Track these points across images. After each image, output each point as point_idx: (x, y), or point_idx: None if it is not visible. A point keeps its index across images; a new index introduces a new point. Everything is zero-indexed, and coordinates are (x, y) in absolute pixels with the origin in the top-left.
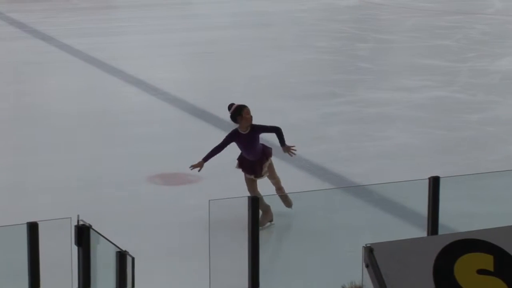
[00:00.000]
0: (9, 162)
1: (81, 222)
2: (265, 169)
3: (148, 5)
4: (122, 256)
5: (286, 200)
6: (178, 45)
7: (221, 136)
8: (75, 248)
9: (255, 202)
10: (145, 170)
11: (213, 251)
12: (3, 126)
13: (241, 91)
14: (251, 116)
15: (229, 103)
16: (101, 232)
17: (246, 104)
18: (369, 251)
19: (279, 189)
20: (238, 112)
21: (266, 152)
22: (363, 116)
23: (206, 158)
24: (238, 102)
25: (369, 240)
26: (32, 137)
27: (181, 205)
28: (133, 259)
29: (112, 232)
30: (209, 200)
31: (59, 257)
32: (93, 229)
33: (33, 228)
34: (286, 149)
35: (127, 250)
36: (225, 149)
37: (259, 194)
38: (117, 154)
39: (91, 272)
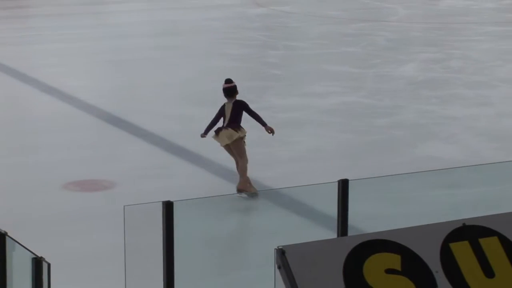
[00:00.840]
0: None
1: None
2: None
3: (63, 14)
4: (38, 263)
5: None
6: (93, 53)
7: (136, 143)
8: None
9: (169, 208)
10: (60, 177)
11: (129, 256)
12: None
13: (154, 98)
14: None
15: (227, 78)
16: (16, 239)
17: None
18: (281, 253)
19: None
20: (236, 89)
21: (236, 126)
22: (275, 122)
23: (206, 131)
24: (149, 108)
25: (281, 242)
26: None
27: (96, 211)
28: (49, 265)
29: (28, 239)
30: (124, 206)
31: None
32: (8, 236)
33: None
34: (268, 128)
35: (43, 256)
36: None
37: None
38: (32, 162)
39: (7, 279)
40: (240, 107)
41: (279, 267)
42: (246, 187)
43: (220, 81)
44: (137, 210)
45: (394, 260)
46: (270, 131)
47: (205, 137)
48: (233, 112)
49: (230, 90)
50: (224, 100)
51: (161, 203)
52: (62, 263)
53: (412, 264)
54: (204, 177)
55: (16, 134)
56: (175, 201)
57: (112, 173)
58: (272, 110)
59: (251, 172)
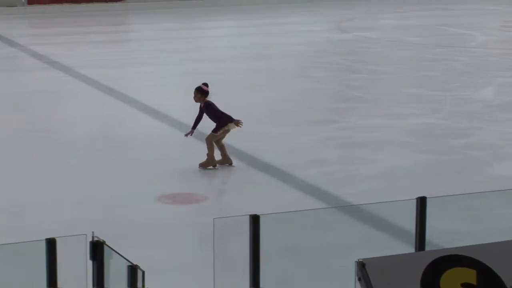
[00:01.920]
0: (22, 182)
1: (95, 238)
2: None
3: (159, 39)
4: (133, 270)
5: (206, 162)
6: (186, 75)
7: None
8: (90, 263)
9: (256, 221)
10: (154, 190)
11: (218, 266)
12: (24, 149)
13: (242, 117)
14: (198, 98)
15: (204, 83)
16: (114, 248)
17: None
18: (361, 266)
19: (209, 155)
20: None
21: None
22: (356, 141)
23: (194, 127)
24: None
25: (361, 255)
26: (48, 159)
27: (188, 223)
28: (143, 273)
29: (124, 248)
30: (214, 218)
31: (75, 271)
32: (106, 245)
33: (51, 244)
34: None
35: (138, 264)
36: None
37: (212, 145)
38: (129, 175)
39: (104, 285)
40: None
41: (359, 279)
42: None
43: (306, 102)
44: (226, 222)
45: (470, 275)
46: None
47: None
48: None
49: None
50: None
51: (248, 216)
52: (155, 271)
53: (487, 279)
54: (289, 192)
55: (115, 150)
56: (261, 214)
57: (203, 187)
58: (354, 130)
59: (333, 188)
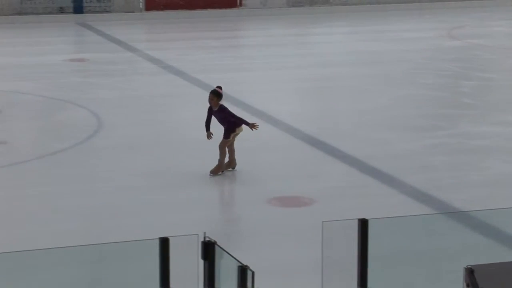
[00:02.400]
0: (119, 185)
1: (207, 239)
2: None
3: (272, 45)
4: (243, 271)
5: (217, 168)
6: (298, 80)
7: (334, 163)
8: (201, 262)
9: (365, 225)
10: (264, 193)
11: (326, 269)
12: (142, 150)
13: (352, 123)
14: (215, 102)
15: (218, 86)
16: (224, 248)
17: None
18: (470, 272)
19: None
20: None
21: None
22: (465, 148)
23: (207, 130)
24: (348, 132)
25: (470, 262)
26: (164, 160)
27: (297, 225)
28: (253, 273)
29: (234, 248)
30: (323, 222)
31: (187, 270)
32: (217, 245)
33: (164, 243)
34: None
35: (248, 265)
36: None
37: (224, 151)
38: (241, 178)
39: (215, 285)
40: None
41: (467, 285)
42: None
43: (415, 108)
44: (335, 226)
45: None
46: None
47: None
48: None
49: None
50: None
51: (356, 220)
52: (264, 272)
53: None
54: (397, 197)
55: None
56: (370, 219)
57: (312, 191)
58: (464, 136)
59: (441, 194)
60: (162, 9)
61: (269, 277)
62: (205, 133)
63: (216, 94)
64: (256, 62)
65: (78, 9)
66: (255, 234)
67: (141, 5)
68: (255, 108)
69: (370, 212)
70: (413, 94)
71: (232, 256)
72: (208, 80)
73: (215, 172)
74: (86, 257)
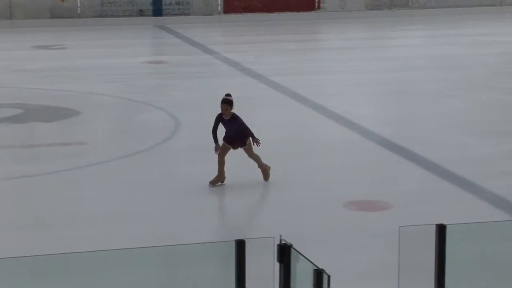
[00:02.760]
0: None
1: (283, 241)
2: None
3: (349, 48)
4: (319, 274)
5: (265, 174)
6: (375, 84)
7: (411, 168)
8: (277, 265)
9: (442, 231)
10: (340, 197)
11: (402, 275)
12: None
13: (430, 127)
14: (229, 111)
15: (228, 94)
16: (300, 251)
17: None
18: None
19: (260, 165)
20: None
21: (246, 134)
22: None
23: (215, 141)
24: (425, 136)
25: None
26: (241, 162)
27: (373, 230)
28: (329, 277)
29: (310, 251)
30: (399, 226)
31: (263, 272)
32: (293, 248)
33: (240, 245)
34: (255, 140)
35: (324, 268)
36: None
37: (223, 160)
38: (316, 181)
39: (290, 287)
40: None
41: None
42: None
43: (495, 113)
44: (412, 231)
45: None
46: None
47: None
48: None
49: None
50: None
51: (434, 225)
52: (340, 276)
53: None
54: (475, 203)
55: (301, 156)
56: (448, 224)
57: (388, 195)
58: None
59: None
60: (240, 12)
61: (344, 281)
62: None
63: (230, 104)
64: (333, 65)
65: (158, 11)
66: (331, 238)
67: (220, 8)
68: (331, 111)
69: (447, 218)
70: (492, 98)
71: (308, 259)
72: (285, 83)
73: (267, 177)
74: (161, 259)
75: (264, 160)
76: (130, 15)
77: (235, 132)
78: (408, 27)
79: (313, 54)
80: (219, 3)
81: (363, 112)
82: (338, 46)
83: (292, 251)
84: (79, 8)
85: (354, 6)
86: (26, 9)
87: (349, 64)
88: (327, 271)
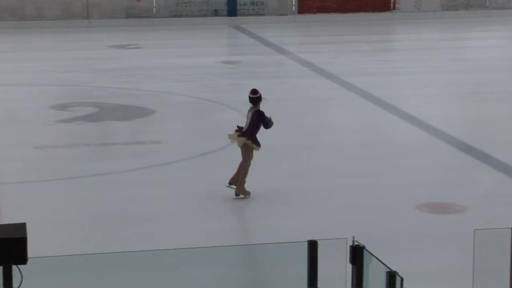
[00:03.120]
0: (267, 186)
1: (355, 243)
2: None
3: (423, 49)
4: (392, 276)
5: (239, 188)
6: (450, 85)
7: (487, 170)
8: (349, 266)
9: None
10: (413, 199)
11: (477, 278)
12: (292, 152)
13: (506, 129)
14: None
15: (254, 89)
16: (373, 253)
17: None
18: None
19: (238, 172)
20: (259, 99)
21: (249, 138)
22: None
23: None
24: (502, 139)
25: None
26: (314, 162)
27: (447, 232)
28: (402, 279)
29: (383, 253)
30: (474, 230)
31: (335, 273)
32: (366, 250)
33: (313, 246)
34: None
35: (397, 271)
36: None
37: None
38: (386, 183)
39: None
40: (256, 117)
41: None
42: (242, 191)
43: None
44: (487, 234)
45: None
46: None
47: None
48: (251, 121)
49: (253, 99)
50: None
51: (510, 229)
52: (413, 278)
53: None
54: None
55: (374, 157)
56: None
57: (463, 197)
58: None
59: None
60: (314, 12)
61: (417, 283)
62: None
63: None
64: (408, 66)
65: (232, 11)
66: (404, 240)
67: (294, 8)
68: (405, 112)
69: None
70: None
71: (381, 261)
72: (359, 84)
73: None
74: (237, 257)
75: (340, 160)
76: (205, 15)
77: (256, 127)
78: (485, 28)
79: (387, 55)
80: (293, 3)
81: (438, 113)
82: (412, 47)
83: (365, 252)
84: (154, 8)
85: (429, 6)
86: (102, 9)
87: (424, 65)
88: (400, 274)
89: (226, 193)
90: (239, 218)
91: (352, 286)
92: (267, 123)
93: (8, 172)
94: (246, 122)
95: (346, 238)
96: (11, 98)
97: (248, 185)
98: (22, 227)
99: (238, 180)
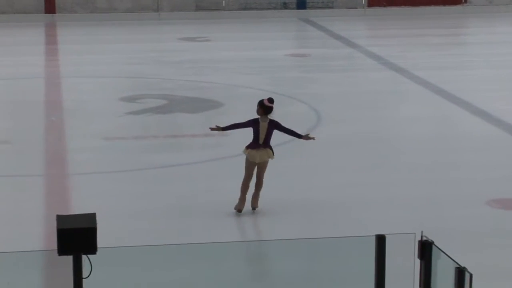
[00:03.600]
0: (336, 180)
1: (424, 238)
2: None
3: (498, 42)
4: (461, 272)
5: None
6: None
7: None
8: (417, 261)
9: None
10: (483, 194)
11: None
12: (360, 146)
13: None
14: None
15: (271, 98)
16: (441, 248)
17: None
18: None
19: (256, 190)
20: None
21: (271, 148)
22: None
23: (225, 128)
24: None
25: None
26: (381, 157)
27: None
28: (471, 275)
29: (451, 249)
30: None
31: (403, 268)
32: (435, 245)
33: (381, 240)
34: (306, 137)
35: (466, 267)
36: None
37: (250, 177)
38: (455, 177)
39: (431, 285)
40: (273, 127)
41: None
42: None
43: None
44: None
45: None
46: (309, 138)
47: (216, 130)
48: (268, 131)
49: (270, 109)
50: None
51: None
52: (482, 275)
53: None
54: None
55: (440, 151)
56: None
57: None
58: None
59: None
60: (384, 6)
61: (486, 280)
62: None
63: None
64: (480, 60)
65: (301, 5)
66: (474, 236)
67: (364, 1)
68: (476, 107)
69: None
70: None
71: (450, 257)
72: (429, 78)
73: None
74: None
75: (409, 154)
76: (274, 8)
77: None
78: None
79: (458, 49)
80: None
81: (510, 108)
82: (484, 40)
83: (434, 248)
84: (224, 1)
85: (502, 0)
86: (172, 2)
87: (495, 59)
88: (469, 270)
89: (293, 186)
90: (309, 210)
91: (420, 282)
92: (288, 129)
93: (78, 163)
94: (259, 134)
95: (414, 233)
96: (82, 89)
97: (310, 178)
98: (92, 217)
99: (257, 197)
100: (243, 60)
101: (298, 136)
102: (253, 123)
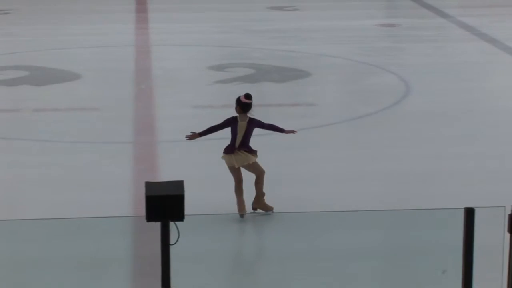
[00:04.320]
0: (425, 152)
1: None
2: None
3: None
4: None
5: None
6: None
7: None
8: (507, 235)
9: None
10: None
11: None
12: (448, 118)
13: None
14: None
15: (248, 93)
16: None
17: None
18: None
19: (258, 182)
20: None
21: (252, 150)
22: None
23: (202, 133)
24: None
25: None
26: (470, 129)
27: None
28: None
29: None
30: None
31: (491, 242)
32: None
33: (469, 214)
34: (288, 131)
35: None
36: None
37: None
38: None
39: None
40: (254, 126)
41: None
42: (263, 206)
43: None
44: None
45: None
46: (292, 132)
47: (193, 137)
48: (247, 131)
49: (249, 106)
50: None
51: None
52: None
53: None
54: None
55: None
56: None
57: None
58: None
59: None
60: None
61: None
62: None
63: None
64: None
65: None
66: None
67: None
68: None
69: None
70: None
71: None
72: None
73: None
74: (394, 221)
75: (498, 126)
76: None
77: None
78: None
79: None
80: None
81: None
82: None
83: None
84: None
85: None
86: None
87: None
88: None
89: (382, 156)
90: (398, 182)
91: (509, 256)
92: (269, 124)
93: (167, 131)
94: (236, 134)
95: (504, 207)
96: (171, 58)
97: (395, 149)
98: (179, 184)
99: (260, 198)
100: (332, 30)
101: (281, 130)
102: (231, 122)
